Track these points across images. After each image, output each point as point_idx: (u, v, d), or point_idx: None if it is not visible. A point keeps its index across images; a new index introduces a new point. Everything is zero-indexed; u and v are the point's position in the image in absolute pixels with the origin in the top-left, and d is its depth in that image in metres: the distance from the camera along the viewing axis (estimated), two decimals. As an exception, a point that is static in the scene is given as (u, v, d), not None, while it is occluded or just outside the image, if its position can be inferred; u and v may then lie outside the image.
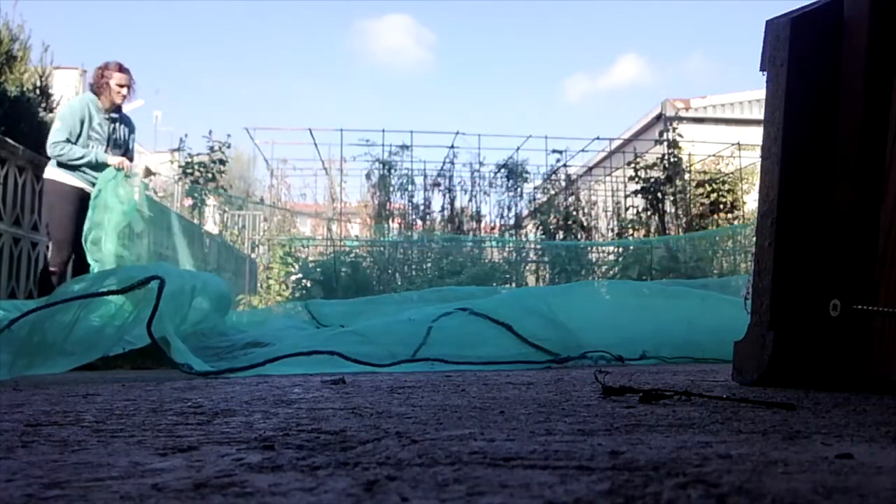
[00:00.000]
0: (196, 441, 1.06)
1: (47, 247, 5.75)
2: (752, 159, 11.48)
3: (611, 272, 11.20)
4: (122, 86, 5.15)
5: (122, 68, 5.26)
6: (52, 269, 4.97)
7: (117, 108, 5.29)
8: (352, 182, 21.35)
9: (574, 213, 11.89)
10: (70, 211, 4.95)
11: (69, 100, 5.51)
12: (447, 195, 12.02)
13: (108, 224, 4.92)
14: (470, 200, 12.10)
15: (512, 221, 12.25)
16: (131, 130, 5.42)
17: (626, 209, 12.36)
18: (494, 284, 10.35)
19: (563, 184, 12.46)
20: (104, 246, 4.87)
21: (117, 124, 5.28)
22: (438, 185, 12.00)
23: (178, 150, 11.27)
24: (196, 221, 11.64)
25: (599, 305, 5.01)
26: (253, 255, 14.11)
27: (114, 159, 5.04)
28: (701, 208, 12.25)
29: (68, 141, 4.93)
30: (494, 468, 0.83)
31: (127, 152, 5.36)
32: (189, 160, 10.97)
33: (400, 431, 1.14)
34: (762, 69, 2.15)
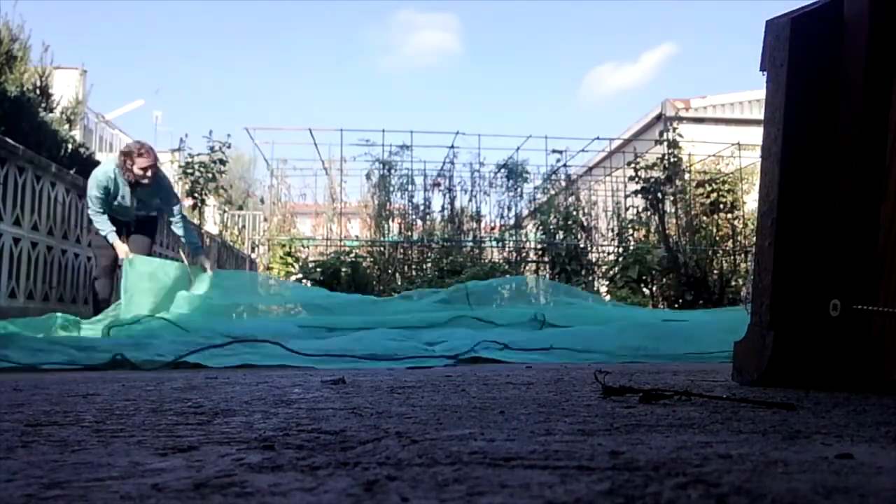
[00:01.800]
0: (196, 441, 1.06)
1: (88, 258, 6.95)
2: (752, 159, 11.48)
3: (611, 272, 11.20)
4: (145, 169, 5.68)
5: (142, 151, 5.70)
6: (97, 278, 6.02)
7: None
8: (352, 182, 21.36)
9: (574, 213, 11.88)
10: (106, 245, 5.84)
11: (101, 168, 6.00)
12: (447, 195, 12.01)
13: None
14: (470, 200, 12.10)
15: (512, 221, 12.25)
16: (158, 190, 5.97)
17: (626, 209, 12.35)
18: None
19: (564, 184, 12.46)
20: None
21: (141, 189, 5.83)
22: (438, 185, 11.99)
23: (179, 150, 11.26)
24: (196, 221, 11.64)
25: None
26: (253, 255, 14.12)
27: (121, 249, 5.73)
28: (701, 208, 12.24)
29: (101, 211, 5.73)
30: (494, 468, 0.83)
31: (151, 212, 6.12)
32: (189, 160, 10.96)
33: (400, 431, 1.14)
34: (762, 69, 2.15)
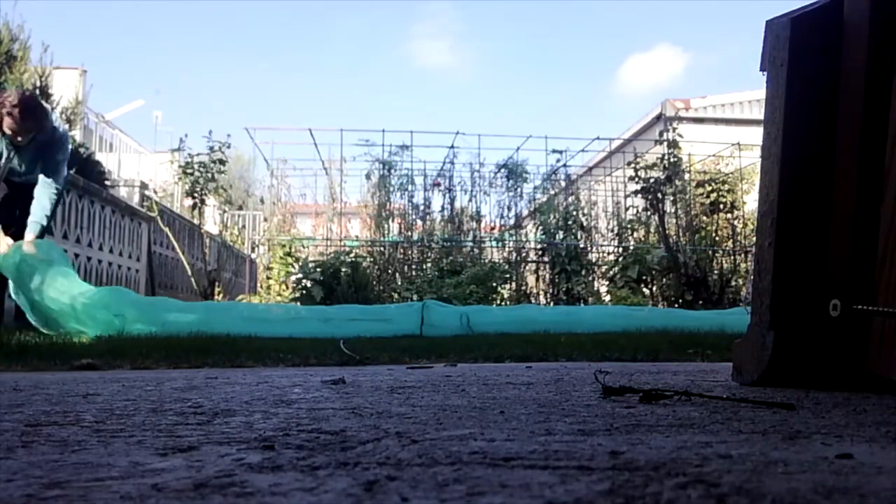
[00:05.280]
0: (196, 441, 1.06)
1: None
2: (752, 159, 11.48)
3: (610, 272, 11.21)
4: (12, 109, 4.72)
5: (20, 102, 4.73)
6: None
7: (30, 138, 4.91)
8: (352, 182, 21.34)
9: (574, 213, 11.88)
10: None
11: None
12: (447, 195, 12.02)
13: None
14: (470, 200, 12.10)
15: (512, 221, 12.25)
16: (36, 159, 5.02)
17: (626, 209, 12.36)
18: (494, 284, 10.36)
19: (563, 184, 12.46)
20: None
21: (19, 154, 4.98)
22: (438, 185, 11.99)
23: (178, 150, 11.25)
24: (196, 221, 11.64)
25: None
26: (253, 255, 14.13)
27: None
28: (701, 208, 12.24)
29: None
30: (494, 468, 0.83)
31: (25, 179, 5.11)
32: (189, 160, 10.96)
33: (400, 431, 1.14)
34: (762, 69, 2.15)
